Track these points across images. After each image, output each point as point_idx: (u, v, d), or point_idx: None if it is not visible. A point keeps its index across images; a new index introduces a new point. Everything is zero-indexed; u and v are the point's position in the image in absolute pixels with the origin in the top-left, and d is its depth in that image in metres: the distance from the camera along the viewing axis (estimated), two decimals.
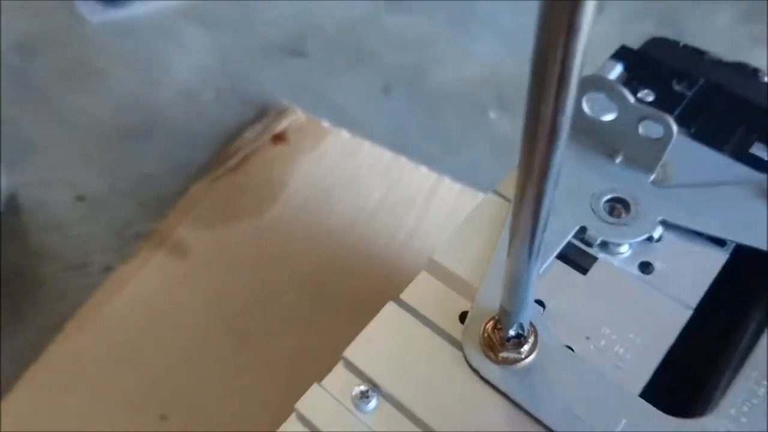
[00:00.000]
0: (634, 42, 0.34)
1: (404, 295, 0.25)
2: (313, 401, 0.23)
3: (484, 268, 0.24)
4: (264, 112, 0.73)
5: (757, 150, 0.27)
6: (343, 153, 0.70)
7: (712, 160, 0.27)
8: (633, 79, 0.30)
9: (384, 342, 0.24)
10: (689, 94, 0.29)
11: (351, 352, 0.24)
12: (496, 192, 0.27)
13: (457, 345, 0.24)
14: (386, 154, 0.70)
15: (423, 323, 0.24)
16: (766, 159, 0.27)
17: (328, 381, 0.24)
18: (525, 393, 0.22)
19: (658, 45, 0.32)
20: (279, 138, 0.70)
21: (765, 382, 0.22)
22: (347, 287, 0.59)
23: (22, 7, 0.81)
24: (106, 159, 0.68)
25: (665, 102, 0.29)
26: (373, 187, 0.68)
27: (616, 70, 0.30)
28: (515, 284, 0.20)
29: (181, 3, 0.83)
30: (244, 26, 0.82)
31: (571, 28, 0.13)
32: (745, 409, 0.21)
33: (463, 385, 0.23)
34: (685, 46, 0.32)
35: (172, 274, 0.60)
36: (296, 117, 0.72)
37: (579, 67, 0.14)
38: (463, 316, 0.24)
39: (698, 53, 0.32)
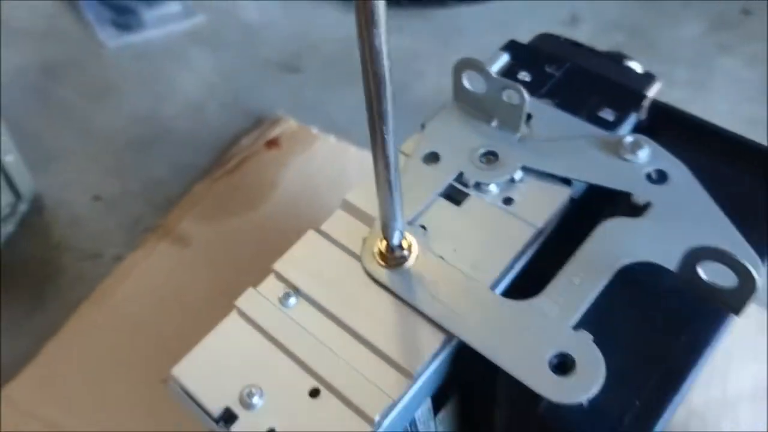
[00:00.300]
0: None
1: (323, 226, 0.33)
2: (249, 300, 0.31)
3: None
4: (261, 122, 0.81)
5: (605, 114, 0.35)
6: (331, 156, 0.78)
7: (568, 121, 0.34)
8: (516, 65, 0.37)
9: (304, 258, 0.32)
10: (557, 74, 0.36)
11: (278, 266, 0.31)
12: (400, 151, 0.35)
13: (358, 259, 0.31)
14: (370, 157, 0.78)
15: (335, 245, 0.32)
16: (610, 120, 0.34)
17: (260, 286, 0.31)
18: (405, 289, 0.29)
19: (544, 39, 0.39)
20: (272, 143, 0.79)
21: (581, 274, 0.29)
22: None
23: (47, 34, 0.91)
24: (119, 164, 0.77)
25: (538, 81, 0.36)
26: None
27: (503, 59, 0.38)
28: (385, 200, 0.27)
29: (189, 28, 0.93)
30: (246, 47, 0.92)
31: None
32: (564, 292, 0.28)
33: (360, 285, 0.30)
34: (566, 40, 0.39)
35: (175, 260, 0.68)
36: (288, 125, 0.80)
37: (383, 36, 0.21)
38: (365, 240, 0.32)
39: (576, 45, 0.39)
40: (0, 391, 0.59)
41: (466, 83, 0.34)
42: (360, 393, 0.27)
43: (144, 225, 0.72)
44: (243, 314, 0.30)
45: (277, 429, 0.27)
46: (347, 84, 0.88)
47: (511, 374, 0.26)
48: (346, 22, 0.95)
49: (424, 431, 0.32)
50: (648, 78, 0.37)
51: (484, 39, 0.94)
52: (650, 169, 0.32)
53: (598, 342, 0.27)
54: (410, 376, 0.28)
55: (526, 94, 0.32)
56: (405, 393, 0.28)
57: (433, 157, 0.34)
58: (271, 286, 0.31)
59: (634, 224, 0.30)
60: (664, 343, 0.28)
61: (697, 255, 0.26)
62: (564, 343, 0.27)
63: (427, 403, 0.31)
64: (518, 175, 0.33)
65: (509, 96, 0.33)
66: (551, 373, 0.26)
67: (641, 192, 0.31)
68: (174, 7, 0.95)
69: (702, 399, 0.57)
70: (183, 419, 0.57)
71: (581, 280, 0.29)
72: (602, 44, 0.41)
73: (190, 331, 0.63)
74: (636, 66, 0.38)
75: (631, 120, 0.35)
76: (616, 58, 0.39)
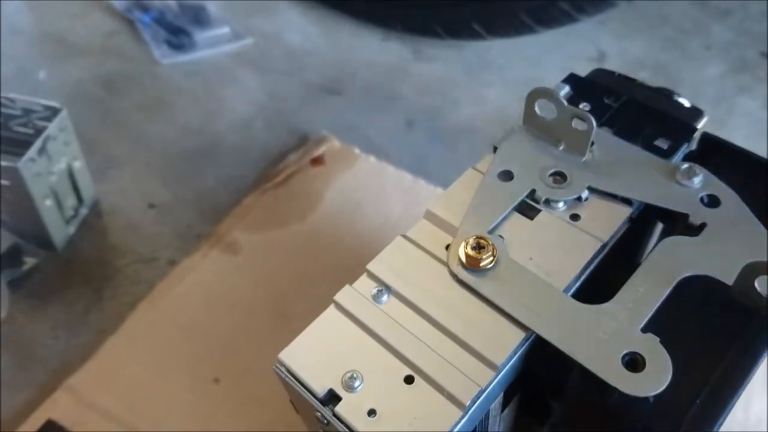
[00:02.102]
0: None
1: (409, 233, 0.37)
2: (346, 295, 0.34)
3: (461, 215, 0.36)
4: (305, 139, 0.86)
5: (659, 143, 0.39)
6: (371, 174, 0.82)
7: (626, 148, 0.38)
8: (576, 96, 0.41)
9: (394, 260, 0.35)
10: (615, 105, 0.40)
11: (371, 266, 0.35)
12: (474, 168, 0.39)
13: (443, 263, 0.35)
14: (407, 177, 0.82)
15: (420, 249, 0.36)
16: (664, 148, 0.38)
17: (356, 284, 0.35)
18: (489, 290, 0.33)
19: (599, 74, 0.44)
20: (317, 161, 0.83)
21: (646, 284, 0.32)
22: None
23: (107, 53, 0.96)
24: (173, 174, 0.82)
25: (597, 111, 0.40)
26: (396, 203, 0.80)
27: (565, 90, 0.42)
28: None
29: (237, 49, 0.98)
30: (290, 70, 0.97)
31: None
32: (632, 299, 0.32)
33: (446, 285, 0.34)
34: (620, 75, 0.43)
35: (226, 266, 0.72)
36: (332, 144, 0.85)
37: None
38: (447, 246, 0.35)
39: (629, 80, 0.43)
40: (63, 381, 0.62)
41: (537, 110, 0.38)
42: (451, 381, 0.31)
43: (196, 232, 0.76)
44: (341, 307, 0.34)
45: (377, 410, 0.31)
46: (384, 109, 0.92)
47: (589, 369, 0.30)
48: (384, 51, 1.00)
49: (492, 424, 0.36)
50: (697, 112, 0.41)
51: (514, 72, 0.99)
52: (703, 193, 0.36)
53: (663, 344, 0.30)
54: (495, 368, 0.31)
55: (594, 122, 0.36)
56: (491, 382, 0.31)
57: (507, 175, 0.38)
58: (364, 284, 0.35)
59: (692, 242, 0.34)
60: (722, 349, 0.31)
61: (754, 270, 0.30)
62: (634, 343, 0.30)
63: (500, 398, 0.34)
64: (585, 194, 0.37)
65: (577, 123, 0.37)
66: (624, 369, 0.30)
67: (697, 214, 0.35)
68: (223, 30, 1.00)
69: (726, 421, 0.61)
70: (232, 418, 0.61)
71: (646, 289, 0.32)
72: None
73: (238, 333, 0.67)
74: (684, 101, 0.43)
75: (683, 149, 0.39)
76: (666, 94, 0.43)
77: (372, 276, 0.35)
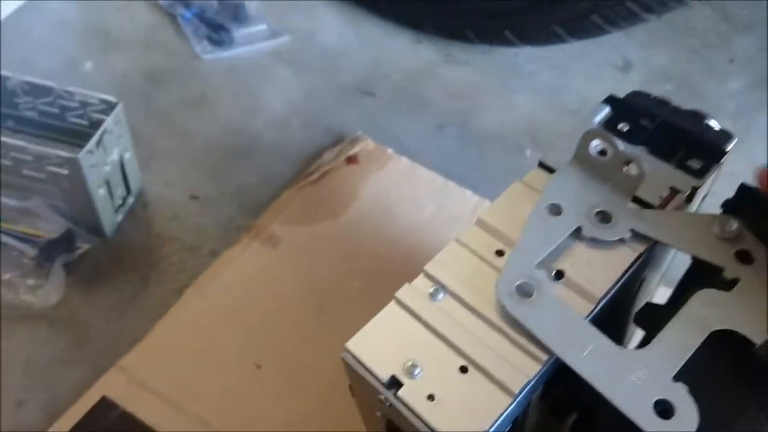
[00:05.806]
0: None
1: (463, 238, 0.40)
2: (405, 293, 0.38)
3: (510, 224, 0.40)
4: (340, 139, 0.90)
5: (692, 163, 0.42)
6: (403, 175, 0.86)
7: (660, 167, 0.42)
8: (615, 117, 0.45)
9: (448, 262, 0.39)
10: (651, 127, 0.44)
11: (429, 267, 0.39)
12: (520, 181, 0.43)
13: (493, 267, 0.39)
14: (438, 179, 0.86)
15: (473, 254, 0.39)
16: (697, 168, 0.42)
17: (414, 282, 0.39)
18: (531, 320, 0.36)
19: (636, 95, 0.47)
20: (351, 160, 0.87)
21: (680, 333, 0.35)
22: (403, 279, 0.74)
23: (150, 47, 1.00)
24: (214, 169, 0.86)
25: (635, 132, 0.44)
26: (426, 205, 0.83)
27: (605, 111, 0.45)
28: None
29: (274, 47, 1.02)
30: (326, 70, 1.00)
31: None
32: (666, 348, 0.35)
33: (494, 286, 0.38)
34: (655, 98, 0.47)
35: (266, 258, 0.76)
36: (366, 144, 0.88)
37: None
38: (498, 252, 0.39)
39: (664, 102, 0.47)
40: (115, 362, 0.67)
41: (592, 151, 0.41)
42: (502, 371, 0.35)
43: (236, 224, 0.80)
44: (401, 303, 0.38)
45: (435, 395, 0.34)
46: (416, 110, 0.96)
47: (623, 412, 0.32)
48: (416, 53, 1.03)
49: (531, 413, 0.40)
50: (726, 135, 0.45)
51: (542, 79, 1.02)
52: (738, 248, 0.38)
53: (692, 392, 0.33)
54: (540, 361, 0.35)
55: (645, 170, 0.39)
56: (537, 373, 0.35)
57: (556, 209, 0.40)
58: (422, 283, 0.39)
59: (725, 297, 0.36)
60: (745, 402, 0.34)
61: None
62: (666, 391, 0.33)
63: (540, 389, 0.38)
64: (627, 236, 0.39)
65: (628, 167, 0.40)
66: (656, 415, 0.32)
67: (731, 269, 0.37)
68: (261, 27, 1.03)
69: None
70: (273, 403, 0.65)
71: (680, 338, 0.35)
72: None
73: (278, 322, 0.71)
74: (715, 124, 0.46)
75: (714, 170, 0.42)
76: (698, 116, 0.46)
77: (429, 276, 0.39)
